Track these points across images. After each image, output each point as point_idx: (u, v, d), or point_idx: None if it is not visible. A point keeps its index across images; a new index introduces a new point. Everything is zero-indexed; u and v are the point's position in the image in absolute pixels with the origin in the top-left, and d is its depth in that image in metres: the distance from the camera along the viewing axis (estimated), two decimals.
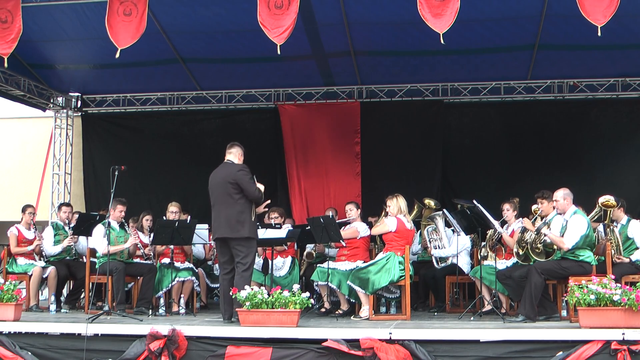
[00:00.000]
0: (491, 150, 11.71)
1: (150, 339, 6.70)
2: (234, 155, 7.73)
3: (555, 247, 7.59)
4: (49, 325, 7.25)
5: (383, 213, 9.78)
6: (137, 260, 8.97)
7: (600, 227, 8.20)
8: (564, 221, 7.61)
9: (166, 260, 8.92)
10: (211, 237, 7.90)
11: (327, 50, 10.66)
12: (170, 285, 8.74)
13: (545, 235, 7.60)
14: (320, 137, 11.95)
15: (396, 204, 8.42)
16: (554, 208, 7.84)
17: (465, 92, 11.77)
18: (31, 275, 9.03)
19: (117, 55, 8.07)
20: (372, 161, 11.74)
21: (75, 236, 9.41)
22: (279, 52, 7.70)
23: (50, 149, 12.94)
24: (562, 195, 7.63)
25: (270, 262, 8.46)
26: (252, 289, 7.03)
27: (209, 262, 10.04)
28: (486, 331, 6.61)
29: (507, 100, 11.74)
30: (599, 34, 7.19)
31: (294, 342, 6.64)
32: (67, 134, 12.74)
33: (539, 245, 7.70)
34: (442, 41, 7.40)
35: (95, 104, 12.80)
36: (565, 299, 7.12)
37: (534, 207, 8.48)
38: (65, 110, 12.72)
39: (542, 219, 8.01)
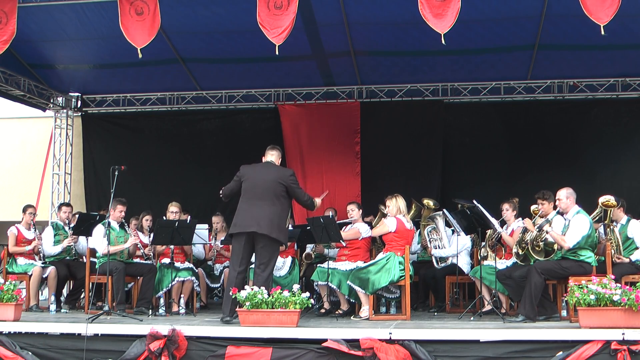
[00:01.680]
0: (491, 150, 11.71)
1: (150, 339, 6.70)
2: (276, 157, 7.81)
3: (555, 246, 7.58)
4: (49, 325, 7.25)
5: (379, 214, 9.80)
6: (137, 260, 8.97)
7: (601, 228, 8.19)
8: (566, 220, 7.62)
9: (166, 260, 8.92)
10: (232, 231, 7.65)
11: (327, 50, 10.66)
12: (170, 285, 8.74)
13: (547, 232, 7.59)
14: (320, 137, 11.95)
15: (395, 204, 8.43)
16: (554, 208, 7.83)
17: (465, 92, 11.77)
18: (31, 275, 9.03)
19: (140, 55, 8.07)
20: (372, 161, 11.74)
21: (75, 236, 9.41)
22: (277, 52, 7.71)
23: (50, 149, 12.94)
24: (566, 194, 7.63)
25: None
26: (252, 289, 7.03)
27: (209, 262, 10.04)
28: (486, 331, 6.61)
29: (507, 100, 11.73)
30: (603, 32, 7.18)
31: (294, 342, 6.64)
32: (67, 134, 12.74)
33: (539, 243, 7.69)
34: (443, 41, 7.40)
35: (95, 104, 12.80)
36: (565, 299, 7.12)
37: (532, 207, 8.47)
38: (65, 110, 12.72)
39: (541, 219, 8.00)
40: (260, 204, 7.47)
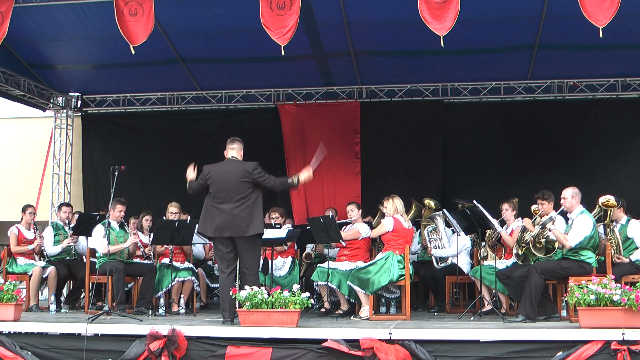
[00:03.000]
0: (491, 150, 11.71)
1: (150, 339, 6.70)
2: (237, 151, 7.69)
3: (556, 245, 7.58)
4: (49, 325, 7.25)
5: (379, 214, 9.81)
6: (137, 260, 8.97)
7: (600, 228, 8.19)
8: (570, 220, 7.61)
9: (166, 261, 8.91)
10: (205, 233, 7.62)
11: (327, 50, 10.66)
12: (170, 285, 8.74)
13: (550, 230, 7.58)
14: (320, 137, 11.87)
15: (392, 205, 8.43)
16: (554, 208, 7.82)
17: (465, 92, 11.77)
18: (31, 275, 9.03)
19: (133, 52, 8.06)
20: (372, 161, 11.74)
21: (75, 236, 9.41)
22: (282, 52, 7.69)
23: (50, 149, 12.94)
24: (571, 193, 7.62)
25: (270, 262, 8.47)
26: (252, 289, 7.03)
27: (209, 262, 10.04)
28: (486, 331, 6.61)
29: (507, 100, 11.73)
30: (601, 35, 7.20)
31: (294, 342, 6.64)
32: (67, 134, 12.74)
33: (541, 240, 7.67)
34: (442, 44, 7.40)
35: (95, 104, 12.80)
36: (565, 299, 7.12)
37: (533, 207, 8.47)
38: (65, 110, 12.71)
39: (541, 218, 8.00)
40: (231, 207, 7.38)
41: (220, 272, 7.57)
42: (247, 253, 7.43)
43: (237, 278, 7.66)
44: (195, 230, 8.34)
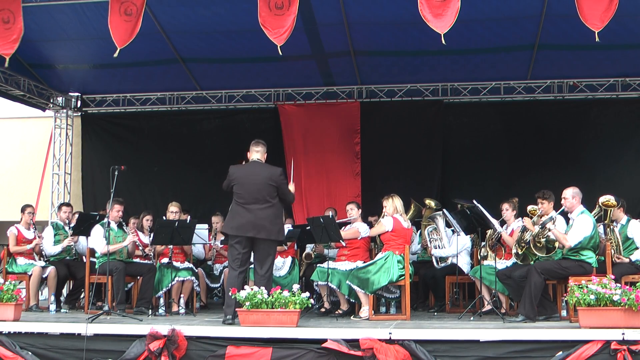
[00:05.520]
0: (491, 150, 11.72)
1: (150, 339, 6.70)
2: (261, 153, 7.69)
3: (556, 245, 7.58)
4: (49, 325, 7.24)
5: (383, 213, 9.80)
6: (137, 260, 8.97)
7: (600, 228, 8.19)
8: (571, 220, 7.61)
9: (165, 260, 8.91)
10: (227, 232, 7.58)
11: (327, 50, 10.67)
12: (170, 285, 8.73)
13: (549, 230, 7.58)
14: (320, 137, 11.95)
15: (392, 204, 8.43)
16: (559, 209, 7.81)
17: (465, 92, 11.77)
18: (31, 275, 9.03)
19: (116, 54, 8.06)
20: (372, 161, 11.74)
21: (75, 236, 9.41)
22: (280, 52, 7.71)
23: (50, 149, 12.94)
24: (572, 193, 7.62)
25: None
26: (251, 289, 7.03)
27: (209, 262, 10.04)
28: (486, 331, 6.61)
29: (507, 100, 11.74)
30: (597, 39, 7.21)
31: (294, 342, 6.64)
32: (66, 134, 12.74)
33: (541, 240, 7.67)
34: (443, 42, 7.40)
35: (95, 104, 12.80)
36: (565, 299, 7.12)
37: (529, 207, 8.42)
38: (65, 110, 12.73)
39: (540, 219, 8.00)
40: (255, 208, 7.41)
41: (231, 270, 7.52)
42: (264, 256, 7.44)
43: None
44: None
